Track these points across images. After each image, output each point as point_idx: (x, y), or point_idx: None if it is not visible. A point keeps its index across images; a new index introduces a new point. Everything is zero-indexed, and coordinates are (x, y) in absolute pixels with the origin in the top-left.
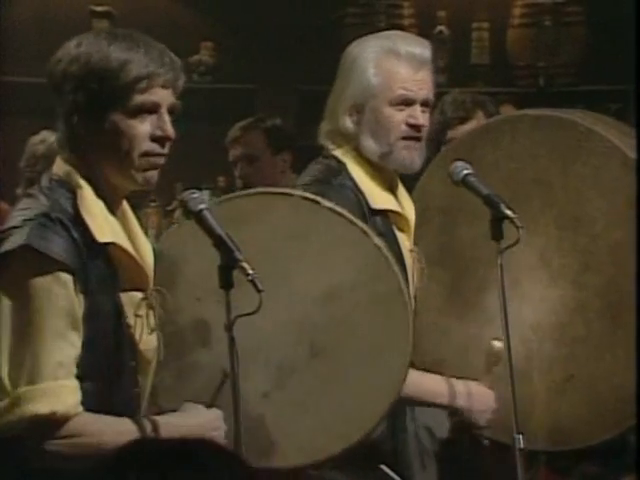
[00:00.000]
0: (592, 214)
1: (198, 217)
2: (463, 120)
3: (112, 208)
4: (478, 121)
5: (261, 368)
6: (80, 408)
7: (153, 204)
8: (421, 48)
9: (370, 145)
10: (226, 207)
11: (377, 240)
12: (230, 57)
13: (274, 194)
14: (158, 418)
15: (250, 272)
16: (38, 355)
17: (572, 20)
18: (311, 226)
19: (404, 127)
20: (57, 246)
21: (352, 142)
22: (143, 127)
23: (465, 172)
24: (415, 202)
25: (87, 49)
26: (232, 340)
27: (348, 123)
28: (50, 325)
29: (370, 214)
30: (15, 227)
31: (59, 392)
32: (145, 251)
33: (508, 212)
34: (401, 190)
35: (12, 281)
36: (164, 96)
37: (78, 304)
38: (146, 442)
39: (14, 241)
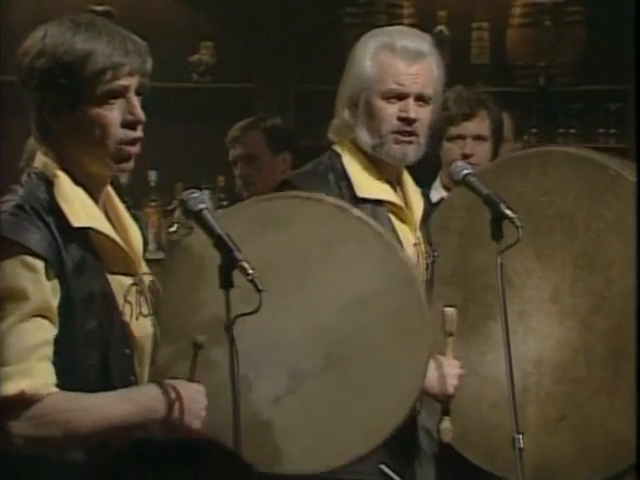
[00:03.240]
0: (610, 258)
1: (198, 217)
2: (468, 116)
3: (94, 195)
4: (481, 119)
5: (275, 372)
6: (53, 389)
7: (153, 204)
8: (418, 42)
9: (364, 136)
10: (256, 208)
11: (403, 254)
12: (230, 56)
13: (305, 199)
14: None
15: (250, 272)
16: (6, 338)
17: (572, 20)
18: (340, 233)
19: (395, 121)
20: (26, 232)
21: (350, 134)
22: (113, 114)
23: (465, 172)
24: (436, 221)
25: (52, 41)
26: (232, 340)
27: (347, 115)
28: (17, 308)
29: (356, 202)
30: None
31: (28, 373)
32: (132, 236)
33: (508, 212)
34: (408, 183)
35: None
36: (131, 81)
37: (51, 289)
38: (148, 441)
39: None
